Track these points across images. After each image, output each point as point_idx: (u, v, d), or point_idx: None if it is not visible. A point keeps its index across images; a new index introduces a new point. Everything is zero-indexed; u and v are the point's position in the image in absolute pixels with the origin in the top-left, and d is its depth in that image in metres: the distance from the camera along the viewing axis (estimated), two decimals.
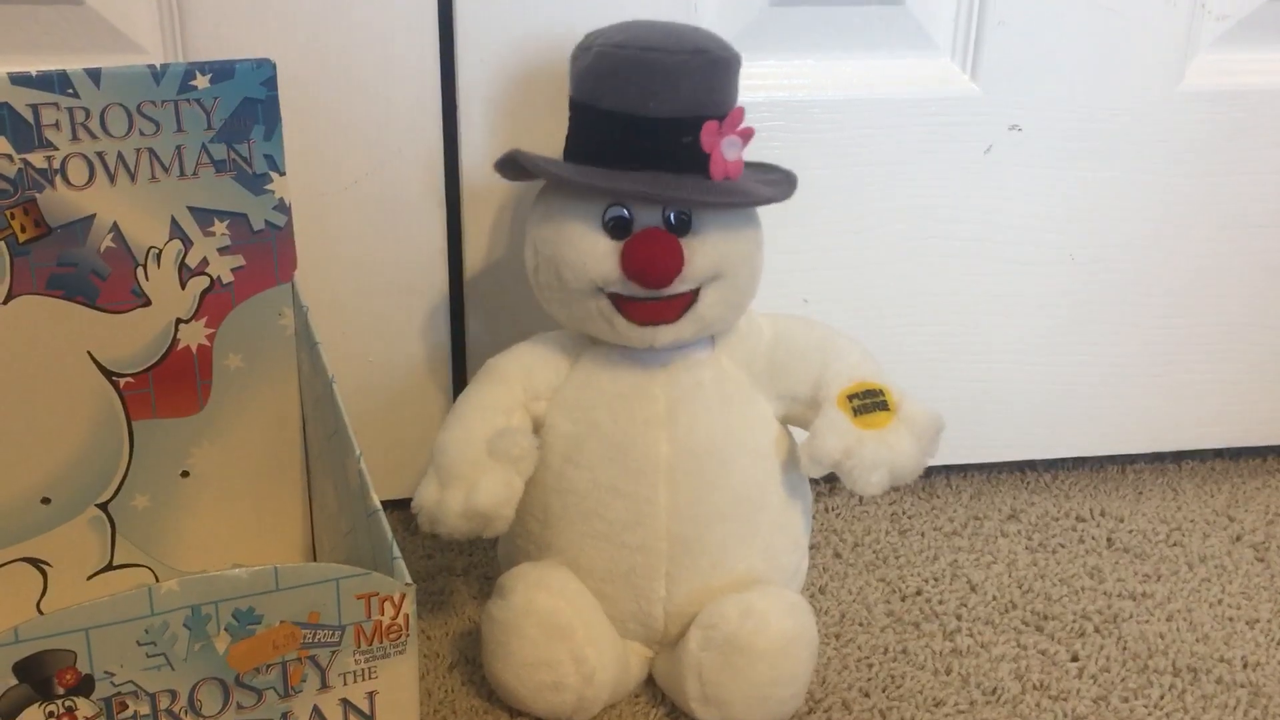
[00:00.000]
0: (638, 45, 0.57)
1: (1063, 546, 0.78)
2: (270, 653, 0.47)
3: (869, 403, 0.61)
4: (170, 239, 0.61)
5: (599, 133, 0.59)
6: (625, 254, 0.58)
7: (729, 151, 0.59)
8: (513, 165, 0.61)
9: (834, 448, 0.59)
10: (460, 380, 0.75)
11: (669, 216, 0.59)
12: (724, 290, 0.60)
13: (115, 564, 0.66)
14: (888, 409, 0.61)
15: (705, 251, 0.59)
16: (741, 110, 0.59)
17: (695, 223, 0.59)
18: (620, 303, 0.60)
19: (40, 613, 0.64)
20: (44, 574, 0.65)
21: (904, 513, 0.81)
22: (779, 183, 0.63)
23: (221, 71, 0.59)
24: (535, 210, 0.62)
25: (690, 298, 0.60)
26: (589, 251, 0.59)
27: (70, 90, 0.57)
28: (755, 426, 0.63)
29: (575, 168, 0.59)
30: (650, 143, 0.58)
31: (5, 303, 0.59)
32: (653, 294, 0.59)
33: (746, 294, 0.62)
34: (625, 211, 0.59)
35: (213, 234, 0.61)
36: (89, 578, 0.65)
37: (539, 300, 0.63)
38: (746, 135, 0.59)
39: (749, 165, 0.61)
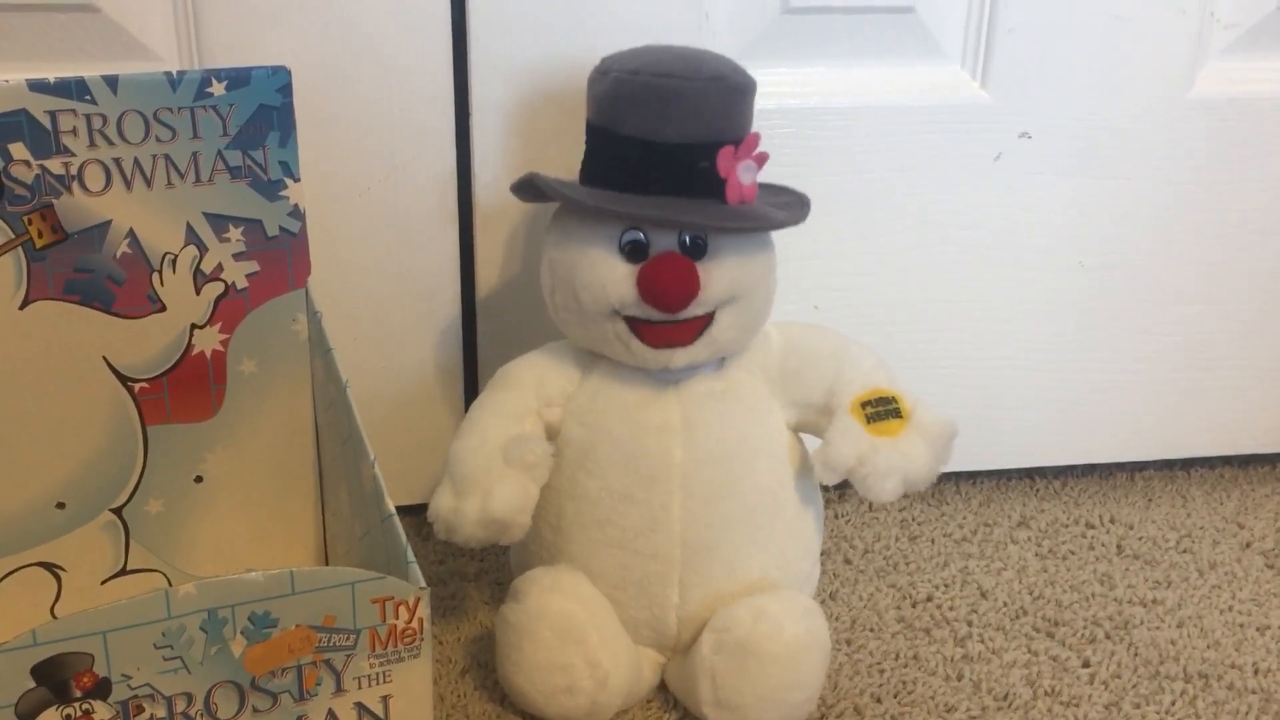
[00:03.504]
0: (654, 71, 0.58)
1: (1073, 553, 0.78)
2: (286, 656, 0.48)
3: (882, 410, 0.61)
4: (186, 245, 0.61)
5: (616, 157, 0.59)
6: (642, 278, 0.58)
7: (744, 176, 0.59)
8: (530, 188, 0.62)
9: (848, 455, 0.60)
10: (472, 387, 0.76)
11: (684, 240, 0.59)
12: (738, 313, 0.61)
13: (129, 569, 0.66)
14: (901, 416, 0.61)
15: (720, 275, 0.59)
16: (757, 136, 0.60)
17: (711, 247, 0.59)
18: (636, 325, 0.60)
19: (54, 617, 0.65)
20: (58, 578, 0.65)
21: (914, 519, 0.81)
22: (792, 205, 0.63)
23: (237, 78, 0.59)
24: (551, 232, 0.62)
25: (705, 321, 0.60)
26: (606, 275, 0.59)
27: (88, 97, 0.57)
28: (768, 434, 0.63)
29: (592, 192, 0.60)
30: (666, 167, 0.58)
31: (22, 308, 0.60)
32: (668, 317, 0.59)
33: (760, 317, 0.63)
34: (641, 236, 0.59)
35: (228, 240, 0.62)
36: (103, 582, 0.66)
37: (555, 321, 0.63)
38: (761, 160, 0.60)
39: (761, 187, 0.62)
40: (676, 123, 0.57)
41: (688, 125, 0.57)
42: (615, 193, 0.59)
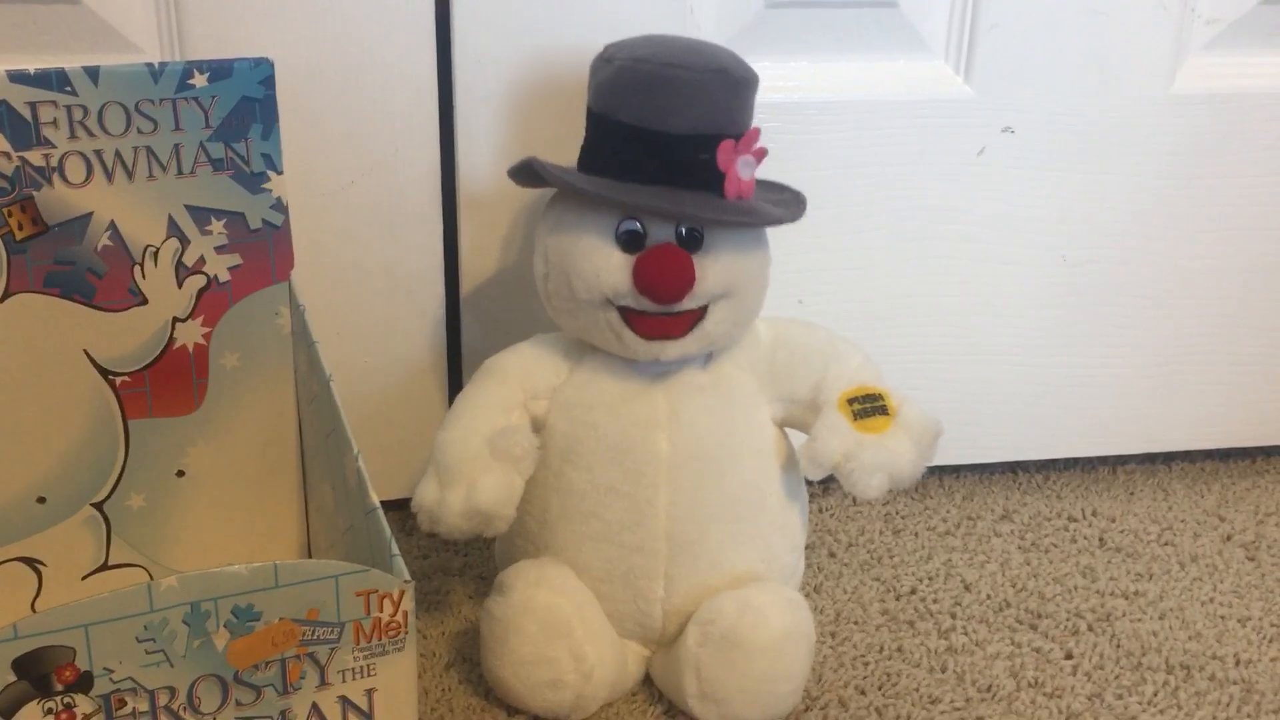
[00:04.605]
0: (659, 60, 0.57)
1: (1055, 546, 0.78)
2: (269, 650, 0.47)
3: (869, 407, 0.61)
4: (167, 237, 0.61)
5: (616, 145, 0.59)
6: (638, 268, 0.58)
7: (743, 171, 0.59)
8: (527, 173, 0.61)
9: (834, 450, 0.60)
10: (456, 381, 0.75)
11: (681, 232, 0.59)
12: (731, 308, 0.61)
13: (110, 564, 0.66)
14: (887, 413, 0.61)
15: (716, 269, 0.59)
16: (757, 130, 0.59)
17: (707, 240, 0.59)
18: (629, 316, 0.60)
19: (34, 613, 0.64)
20: (39, 573, 0.64)
21: (897, 513, 0.81)
22: (789, 203, 0.63)
23: (219, 70, 0.59)
24: (547, 219, 0.62)
25: (698, 314, 0.60)
26: (601, 264, 0.59)
27: (68, 88, 0.57)
28: (754, 428, 0.63)
29: (590, 179, 0.59)
30: (666, 158, 0.58)
31: (2, 301, 0.59)
32: (663, 309, 0.59)
33: (752, 312, 0.63)
34: (638, 225, 0.59)
35: (210, 232, 0.61)
36: (83, 577, 0.65)
37: (546, 309, 0.63)
38: (760, 155, 0.60)
39: (758, 184, 0.62)
40: (679, 113, 0.57)
41: (690, 116, 0.57)
42: (613, 180, 0.59)
